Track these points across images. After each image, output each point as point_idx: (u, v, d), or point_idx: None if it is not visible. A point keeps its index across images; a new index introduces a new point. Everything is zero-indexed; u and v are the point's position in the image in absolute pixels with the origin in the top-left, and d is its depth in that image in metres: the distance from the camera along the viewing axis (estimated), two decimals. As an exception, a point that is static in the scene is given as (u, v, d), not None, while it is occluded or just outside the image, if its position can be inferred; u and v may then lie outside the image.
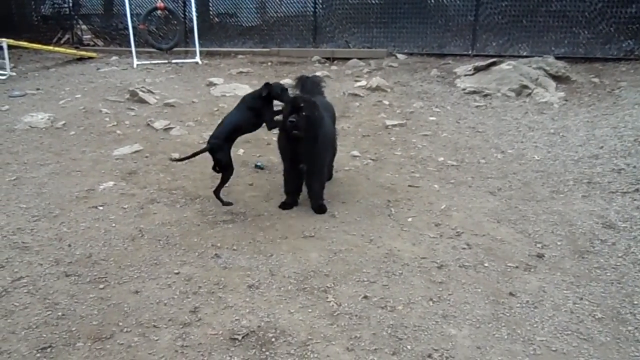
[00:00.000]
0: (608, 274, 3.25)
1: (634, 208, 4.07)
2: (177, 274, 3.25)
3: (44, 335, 2.65)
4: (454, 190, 4.59)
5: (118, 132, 6.23)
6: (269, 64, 10.30)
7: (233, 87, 8.19)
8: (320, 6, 11.54)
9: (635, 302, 2.96)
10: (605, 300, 3.00)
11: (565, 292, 3.08)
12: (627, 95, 6.95)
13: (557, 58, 8.41)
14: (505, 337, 2.69)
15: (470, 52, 9.93)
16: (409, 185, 4.70)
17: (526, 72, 7.67)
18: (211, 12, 13.14)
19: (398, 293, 3.05)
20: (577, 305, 2.95)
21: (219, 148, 4.23)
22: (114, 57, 11.42)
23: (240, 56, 11.26)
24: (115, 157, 5.40)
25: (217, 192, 4.29)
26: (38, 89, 8.32)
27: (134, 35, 10.65)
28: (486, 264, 3.37)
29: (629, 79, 7.73)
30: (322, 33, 11.51)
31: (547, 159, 5.25)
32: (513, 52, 9.60)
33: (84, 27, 14.27)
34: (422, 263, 3.38)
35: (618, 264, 3.36)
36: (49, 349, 2.56)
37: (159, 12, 11.45)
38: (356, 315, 2.84)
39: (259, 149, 5.70)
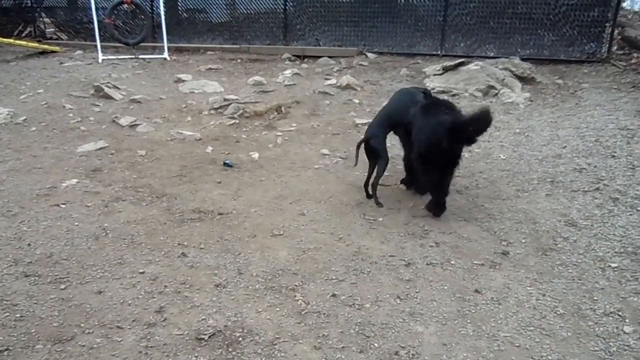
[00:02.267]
0: (570, 271, 3.34)
1: (594, 206, 4.19)
2: (142, 273, 3.19)
3: (1, 338, 2.56)
4: (422, 188, 4.63)
5: (82, 128, 6.08)
6: (239, 60, 10.22)
7: (202, 84, 8.10)
8: (291, 3, 11.51)
9: (595, 298, 3.05)
10: (567, 296, 3.07)
11: (528, 288, 3.14)
12: (588, 96, 7.15)
13: (523, 59, 8.61)
14: (471, 333, 2.73)
15: (439, 52, 10.07)
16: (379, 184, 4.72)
17: (493, 73, 7.81)
18: (180, 8, 12.94)
19: (366, 291, 3.07)
20: (539, 301, 3.02)
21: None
22: (79, 52, 11.15)
23: (209, 52, 11.14)
24: (79, 154, 5.27)
25: (374, 188, 4.29)
26: (-3, 83, 8.05)
27: (100, 29, 10.41)
28: (453, 262, 3.41)
29: (590, 80, 7.96)
30: (292, 31, 11.49)
31: (513, 158, 5.36)
32: (480, 52, 9.79)
33: (47, 20, 13.88)
34: (390, 261, 3.41)
35: (579, 261, 3.45)
36: (6, 352, 2.47)
37: (125, 6, 11.20)
38: (324, 314, 2.84)
39: (228, 146, 5.65)
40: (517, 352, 2.60)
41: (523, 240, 3.72)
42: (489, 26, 9.94)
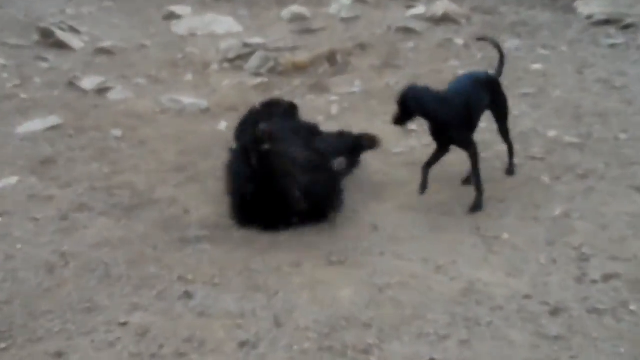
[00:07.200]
0: None
1: None
2: (123, 324, 3.26)
3: None
4: (576, 184, 4.55)
5: (23, 96, 6.28)
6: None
7: (208, 21, 8.23)
8: None
9: None
10: None
11: None
12: None
13: None
14: None
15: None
16: (501, 177, 4.67)
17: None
18: None
19: (487, 355, 3.04)
20: None
21: None
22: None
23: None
24: (20, 137, 5.44)
25: None
26: None
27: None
28: (632, 307, 3.33)
29: None
30: None
31: None
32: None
33: None
34: (524, 305, 3.36)
35: None
36: None
37: None
38: (419, 394, 2.85)
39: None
40: None
41: None
42: None
